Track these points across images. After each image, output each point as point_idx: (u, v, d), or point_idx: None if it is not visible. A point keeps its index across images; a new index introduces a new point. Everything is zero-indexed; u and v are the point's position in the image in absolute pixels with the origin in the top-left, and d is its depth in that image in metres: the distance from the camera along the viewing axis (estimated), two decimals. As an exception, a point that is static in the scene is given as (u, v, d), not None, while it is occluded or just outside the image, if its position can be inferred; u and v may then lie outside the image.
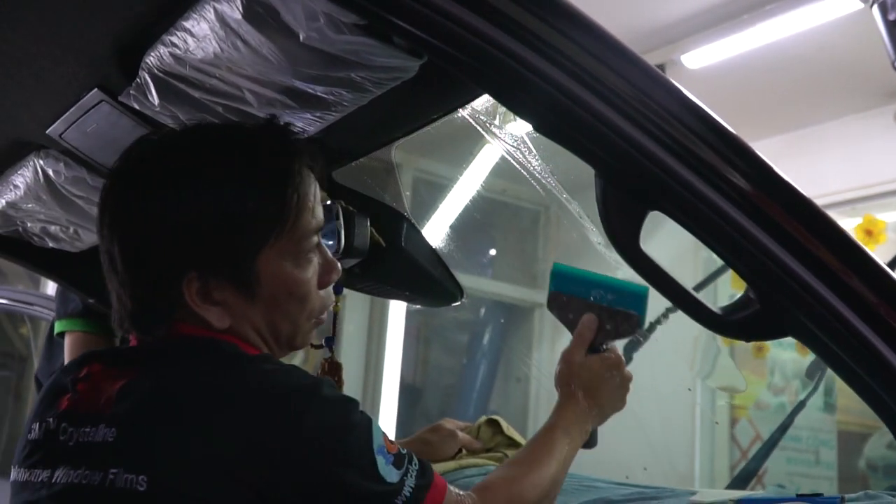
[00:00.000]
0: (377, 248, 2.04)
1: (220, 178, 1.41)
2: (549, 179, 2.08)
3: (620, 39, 1.24)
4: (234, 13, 1.37)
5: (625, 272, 1.43)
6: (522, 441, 2.14)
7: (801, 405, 2.96)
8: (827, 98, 5.40)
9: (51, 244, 2.25)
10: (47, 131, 1.80)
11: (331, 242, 1.95)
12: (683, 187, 1.23)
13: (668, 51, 5.01)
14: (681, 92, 1.24)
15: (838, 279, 1.22)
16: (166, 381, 1.35)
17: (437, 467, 1.85)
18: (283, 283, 1.44)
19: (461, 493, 1.42)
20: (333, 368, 2.13)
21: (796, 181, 1.23)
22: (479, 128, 1.93)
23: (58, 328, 2.90)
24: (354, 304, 6.12)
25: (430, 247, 2.12)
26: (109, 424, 1.33)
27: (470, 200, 3.67)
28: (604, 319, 1.65)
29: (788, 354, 5.97)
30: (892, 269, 1.28)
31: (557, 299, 1.68)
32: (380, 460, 1.32)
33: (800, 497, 1.69)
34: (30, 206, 2.10)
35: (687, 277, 1.38)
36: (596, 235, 1.99)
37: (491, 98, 1.48)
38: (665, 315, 2.90)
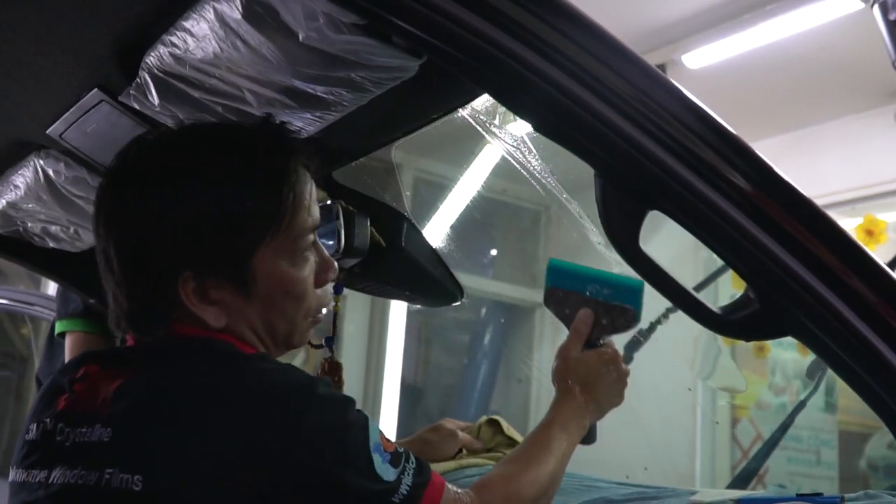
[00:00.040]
0: (377, 248, 2.04)
1: (216, 178, 1.41)
2: (549, 179, 2.08)
3: (621, 39, 1.24)
4: (234, 13, 1.37)
5: (623, 271, 1.43)
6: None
7: (801, 405, 2.96)
8: (827, 98, 5.40)
9: (51, 244, 2.26)
10: (47, 131, 1.80)
11: (331, 242, 1.95)
12: (683, 187, 1.23)
13: (669, 51, 5.01)
14: (680, 92, 1.24)
15: (838, 279, 1.22)
16: (162, 380, 1.35)
17: (438, 467, 1.85)
18: (280, 281, 1.44)
19: (459, 491, 1.42)
20: (333, 368, 2.13)
21: (797, 181, 1.23)
22: (479, 128, 1.93)
23: (58, 328, 2.90)
24: (355, 304, 6.12)
25: (431, 247, 2.12)
26: (105, 425, 1.33)
27: (470, 200, 3.67)
28: (600, 314, 1.65)
29: (789, 354, 5.97)
30: (893, 268, 1.28)
31: (554, 295, 1.68)
32: (376, 459, 1.32)
33: (800, 497, 1.69)
34: (30, 206, 2.10)
35: (687, 277, 1.38)
36: (596, 235, 1.99)
37: (491, 98, 1.48)
38: (665, 315, 2.90)
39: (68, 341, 2.85)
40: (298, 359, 5.31)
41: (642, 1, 4.74)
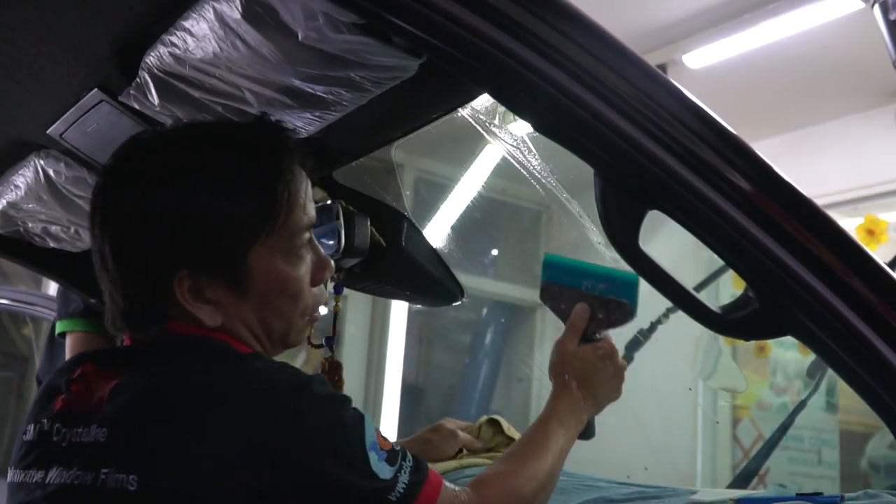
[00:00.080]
0: (377, 248, 2.04)
1: (211, 176, 1.41)
2: (549, 179, 2.08)
3: (622, 39, 1.24)
4: (234, 13, 1.37)
5: (622, 267, 1.43)
6: (523, 441, 2.13)
7: (801, 405, 2.96)
8: (828, 98, 5.40)
9: (52, 244, 2.26)
10: (48, 131, 1.80)
11: (331, 242, 1.95)
12: (683, 187, 1.23)
13: (670, 50, 5.01)
14: (680, 92, 1.24)
15: (838, 278, 1.22)
16: (157, 380, 1.35)
17: (438, 467, 1.85)
18: (275, 280, 1.44)
19: (456, 488, 1.42)
20: (334, 368, 2.13)
21: (797, 181, 1.23)
22: (479, 128, 1.93)
23: (59, 328, 2.90)
24: (356, 304, 6.13)
25: (431, 246, 2.12)
26: (101, 424, 1.33)
27: (471, 200, 3.67)
28: (596, 309, 1.65)
29: (790, 354, 5.97)
30: (893, 268, 1.28)
31: (549, 289, 1.68)
32: (372, 457, 1.32)
33: (800, 496, 1.69)
34: (31, 206, 2.10)
35: (689, 277, 1.38)
36: (596, 235, 1.99)
37: (491, 98, 1.48)
38: (666, 315, 2.90)
39: (69, 341, 2.86)
40: (299, 359, 5.31)
41: (643, 1, 4.74)
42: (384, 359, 6.20)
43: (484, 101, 1.76)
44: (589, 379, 1.64)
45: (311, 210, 1.49)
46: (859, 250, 1.24)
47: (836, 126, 5.59)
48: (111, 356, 1.49)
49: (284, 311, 1.47)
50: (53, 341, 3.05)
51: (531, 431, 1.60)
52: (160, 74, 1.55)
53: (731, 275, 1.39)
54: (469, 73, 1.33)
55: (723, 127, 1.24)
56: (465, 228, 3.10)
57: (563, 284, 1.67)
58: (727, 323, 1.33)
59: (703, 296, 1.35)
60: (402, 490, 1.33)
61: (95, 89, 1.67)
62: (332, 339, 2.17)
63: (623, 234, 1.30)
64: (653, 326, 2.96)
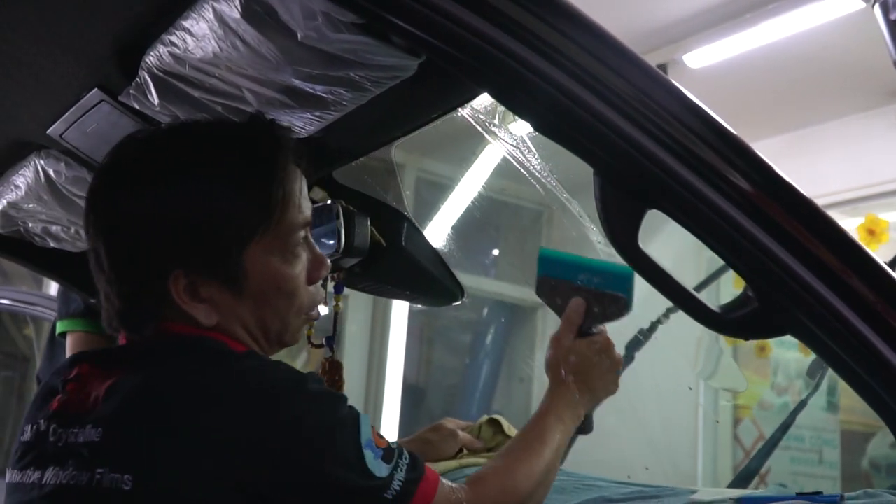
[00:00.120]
0: (378, 248, 2.04)
1: (205, 175, 1.41)
2: (549, 179, 2.08)
3: (622, 39, 1.24)
4: (233, 12, 1.37)
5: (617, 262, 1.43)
6: (523, 440, 2.13)
7: (802, 404, 2.95)
8: (829, 97, 5.40)
9: (52, 244, 2.26)
10: (48, 131, 1.80)
11: (331, 242, 1.95)
12: (682, 186, 1.23)
13: (671, 50, 5.01)
14: (680, 91, 1.24)
15: (837, 278, 1.22)
16: (152, 379, 1.35)
17: (438, 466, 1.85)
18: (271, 278, 1.44)
19: (454, 486, 1.41)
20: (334, 368, 2.13)
21: (798, 181, 1.23)
22: (478, 127, 1.93)
23: (59, 328, 2.90)
24: (357, 304, 6.13)
25: (431, 246, 2.12)
26: (96, 425, 1.33)
27: (472, 200, 3.67)
28: (591, 303, 1.64)
29: (791, 354, 5.97)
30: (893, 268, 1.27)
31: (545, 284, 1.68)
32: (368, 455, 1.32)
33: (799, 495, 1.69)
34: (31, 206, 2.10)
35: (690, 277, 1.38)
36: (596, 234, 1.99)
37: (490, 98, 1.48)
38: (666, 315, 2.90)
39: (69, 341, 2.85)
40: (300, 359, 5.31)
41: (643, 1, 4.74)
42: (385, 359, 6.20)
43: (484, 101, 1.76)
44: (585, 373, 1.64)
45: (307, 208, 1.49)
46: (859, 250, 1.24)
47: (836, 126, 5.59)
48: (107, 356, 1.49)
49: (281, 309, 1.46)
50: (54, 341, 3.05)
51: (528, 427, 1.59)
52: (160, 74, 1.55)
53: (731, 274, 1.38)
54: (469, 73, 1.33)
55: (723, 127, 1.24)
56: (465, 228, 3.09)
57: (559, 279, 1.67)
58: (727, 322, 1.33)
59: (703, 295, 1.35)
60: (397, 488, 1.33)
61: (95, 89, 1.68)
62: (333, 339, 2.17)
63: (622, 234, 1.30)
64: (653, 326, 2.96)
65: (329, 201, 1.99)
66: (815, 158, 5.51)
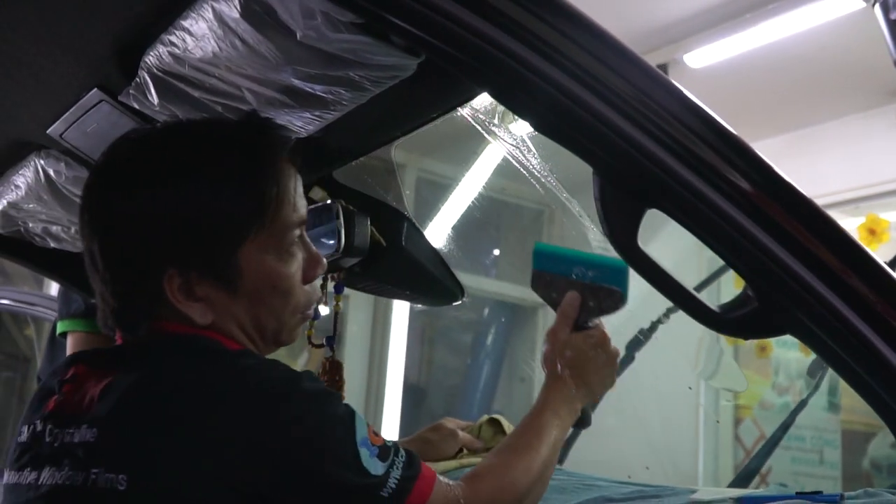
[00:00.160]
0: (378, 248, 2.04)
1: (199, 174, 1.40)
2: (549, 179, 2.08)
3: (623, 39, 1.24)
4: (232, 12, 1.37)
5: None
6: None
7: (802, 404, 2.96)
8: (829, 97, 5.40)
9: (52, 244, 2.26)
10: (48, 131, 1.80)
11: (331, 241, 1.95)
12: (681, 186, 1.23)
13: (671, 50, 5.01)
14: (680, 91, 1.24)
15: (837, 278, 1.22)
16: (146, 379, 1.35)
17: (438, 466, 1.85)
18: (266, 277, 1.43)
19: (451, 483, 1.41)
20: (334, 368, 2.13)
21: (798, 181, 1.23)
22: (478, 127, 1.93)
23: (60, 328, 2.90)
24: (358, 304, 6.13)
25: (431, 246, 2.12)
26: (91, 425, 1.33)
27: (472, 200, 3.67)
28: (587, 297, 1.64)
29: (792, 354, 5.97)
30: (893, 268, 1.27)
31: (541, 278, 1.68)
32: (363, 453, 1.32)
33: (799, 495, 1.69)
34: (31, 206, 2.10)
35: (690, 276, 1.38)
36: (596, 234, 1.99)
37: (490, 98, 1.48)
38: (666, 315, 2.90)
39: (70, 341, 2.85)
40: (301, 359, 5.31)
41: (643, 1, 4.74)
42: (386, 359, 6.20)
43: (484, 101, 1.76)
44: (581, 367, 1.63)
45: (302, 207, 1.49)
46: (859, 249, 1.24)
47: (836, 126, 5.59)
48: (102, 356, 1.49)
49: (276, 308, 1.46)
50: (54, 342, 3.05)
51: (524, 423, 1.59)
52: (160, 74, 1.55)
53: (732, 274, 1.38)
54: (468, 73, 1.33)
55: (723, 127, 1.24)
56: (466, 228, 3.10)
57: (554, 273, 1.66)
58: (726, 322, 1.33)
59: (704, 295, 1.35)
60: (393, 486, 1.33)
61: (95, 89, 1.68)
62: (333, 339, 2.17)
63: (622, 233, 1.30)
64: (653, 326, 2.97)
65: (329, 201, 1.99)
66: (815, 158, 5.51)
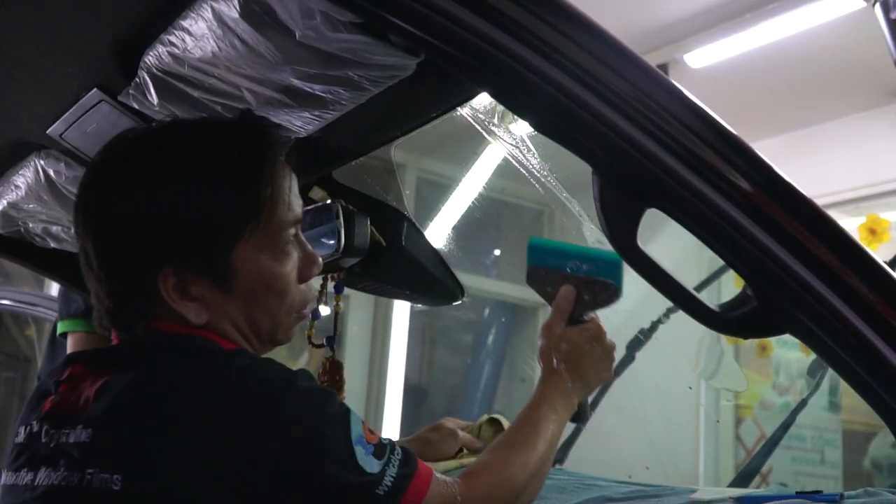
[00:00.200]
0: (377, 248, 2.04)
1: (194, 174, 1.41)
2: (549, 179, 2.08)
3: (623, 39, 1.24)
4: (232, 12, 1.37)
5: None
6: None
7: (802, 403, 2.96)
8: (829, 97, 5.40)
9: (52, 244, 2.26)
10: (47, 131, 1.80)
11: (331, 241, 1.95)
12: (681, 185, 1.23)
13: (672, 50, 5.01)
14: (680, 91, 1.24)
15: (837, 277, 1.22)
16: (141, 378, 1.35)
17: (438, 466, 1.85)
18: (261, 276, 1.43)
19: (448, 480, 1.41)
20: (334, 368, 2.13)
21: (799, 181, 1.23)
22: (478, 127, 1.93)
23: (60, 329, 2.90)
24: (358, 304, 6.13)
25: (431, 246, 2.12)
26: (86, 425, 1.33)
27: (473, 200, 3.67)
28: (581, 290, 1.64)
29: (793, 354, 5.97)
30: (893, 268, 1.27)
31: (536, 273, 1.68)
32: (359, 451, 1.32)
33: (799, 494, 1.69)
34: (31, 206, 2.10)
35: (691, 276, 1.38)
36: (596, 234, 1.99)
37: (490, 97, 1.48)
38: (666, 315, 2.90)
39: (70, 342, 2.85)
40: (302, 359, 5.32)
41: (643, 1, 4.74)
42: (387, 359, 6.20)
43: (484, 100, 1.76)
44: (577, 361, 1.62)
45: (297, 206, 1.49)
46: (858, 249, 1.24)
47: (836, 126, 5.59)
48: (98, 356, 1.49)
49: (271, 308, 1.46)
50: (55, 342, 3.05)
51: (521, 418, 1.58)
52: (159, 74, 1.55)
53: (732, 274, 1.38)
54: (468, 73, 1.33)
55: (723, 127, 1.24)
56: (466, 228, 3.10)
57: (549, 268, 1.66)
58: (726, 321, 1.33)
59: (705, 295, 1.35)
60: (389, 483, 1.32)
61: (95, 89, 1.68)
62: (333, 339, 2.17)
63: (621, 233, 1.30)
64: (654, 326, 2.96)
65: (329, 201, 1.99)
66: (815, 158, 5.51)
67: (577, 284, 1.64)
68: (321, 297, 2.13)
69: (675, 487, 1.98)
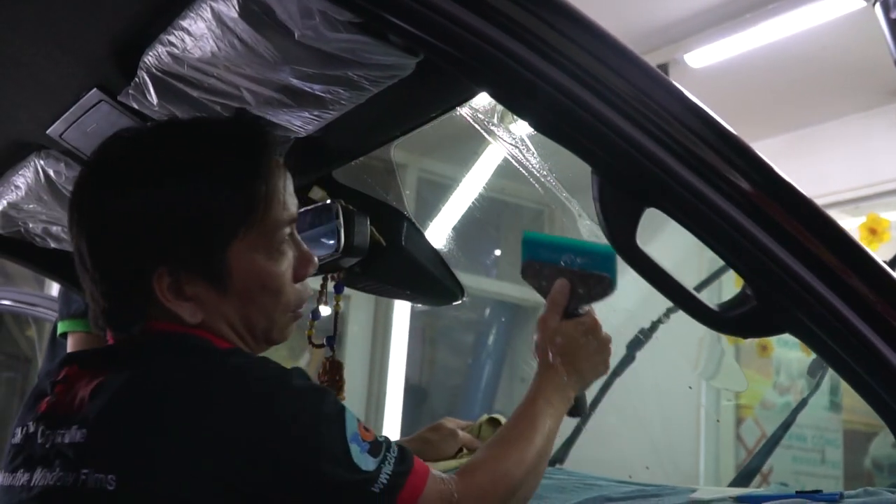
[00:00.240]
0: (377, 248, 2.04)
1: (186, 173, 1.40)
2: (548, 178, 2.08)
3: (623, 39, 1.24)
4: (231, 11, 1.37)
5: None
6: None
7: (802, 403, 2.95)
8: (829, 97, 5.40)
9: (52, 245, 2.26)
10: (47, 131, 1.80)
11: (331, 241, 1.95)
12: (681, 185, 1.23)
13: (671, 50, 5.01)
14: (679, 91, 1.24)
15: (836, 277, 1.22)
16: (136, 379, 1.35)
17: (438, 466, 1.85)
18: (256, 276, 1.43)
19: (444, 476, 1.40)
20: (334, 368, 2.13)
21: (799, 181, 1.23)
22: (478, 127, 1.93)
23: (60, 329, 2.90)
24: (359, 304, 6.13)
25: (431, 246, 2.12)
26: (81, 425, 1.34)
27: (473, 200, 3.67)
28: (576, 283, 1.63)
29: (794, 354, 5.97)
30: (893, 267, 1.27)
31: (530, 268, 1.67)
32: (354, 448, 1.31)
33: (799, 494, 1.69)
34: (31, 206, 2.10)
35: (692, 276, 1.38)
36: (596, 233, 1.99)
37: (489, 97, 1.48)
38: (666, 314, 2.90)
39: (70, 342, 2.86)
40: (303, 359, 5.32)
41: (643, 1, 4.74)
42: (387, 359, 6.21)
43: (484, 100, 1.76)
44: (573, 355, 1.61)
45: (293, 205, 1.48)
46: (858, 249, 1.24)
47: (837, 125, 5.59)
48: (94, 357, 1.49)
49: (266, 307, 1.46)
50: (55, 342, 3.05)
51: (517, 413, 1.57)
52: (159, 74, 1.55)
53: (733, 273, 1.38)
54: (467, 73, 1.33)
55: (723, 127, 1.24)
56: (466, 228, 3.10)
57: (543, 262, 1.66)
58: (725, 321, 1.33)
59: (705, 294, 1.35)
60: (385, 481, 1.32)
61: (94, 89, 1.68)
62: (334, 339, 2.17)
63: (621, 232, 1.30)
64: (654, 326, 2.96)
65: (329, 201, 1.99)
66: (815, 158, 5.51)
67: (571, 278, 1.64)
68: (321, 297, 2.14)
69: (675, 487, 1.98)
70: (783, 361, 6.15)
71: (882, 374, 1.23)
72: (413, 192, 5.46)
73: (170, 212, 1.38)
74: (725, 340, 3.52)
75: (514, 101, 1.30)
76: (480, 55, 1.23)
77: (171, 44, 1.48)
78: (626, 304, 1.66)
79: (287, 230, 1.47)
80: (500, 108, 1.89)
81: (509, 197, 6.13)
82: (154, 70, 1.54)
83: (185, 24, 1.44)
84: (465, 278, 2.18)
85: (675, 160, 1.23)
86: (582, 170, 1.32)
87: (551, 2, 1.22)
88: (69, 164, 1.93)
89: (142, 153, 1.44)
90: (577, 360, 1.62)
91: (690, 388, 4.75)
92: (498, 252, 6.80)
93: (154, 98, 1.58)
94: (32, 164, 1.96)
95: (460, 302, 2.21)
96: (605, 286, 1.62)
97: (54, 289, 4.85)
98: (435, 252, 2.13)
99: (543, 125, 1.30)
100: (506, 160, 2.14)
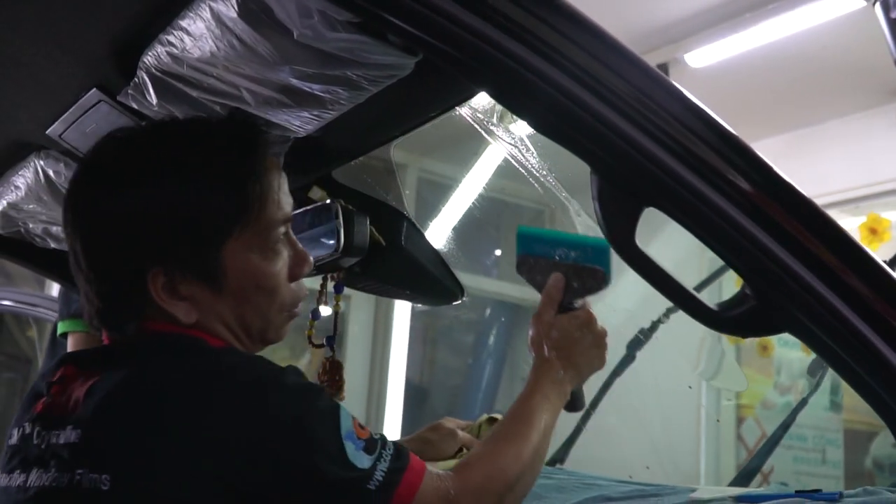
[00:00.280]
0: (377, 247, 2.04)
1: (180, 173, 1.40)
2: (548, 178, 2.08)
3: (623, 39, 1.24)
4: (230, 11, 1.37)
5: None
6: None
7: (803, 403, 2.95)
8: (829, 97, 5.39)
9: (52, 245, 2.26)
10: (47, 132, 1.81)
11: (331, 241, 1.95)
12: (680, 185, 1.23)
13: (671, 50, 5.01)
14: (679, 91, 1.24)
15: (836, 277, 1.22)
16: (131, 379, 1.35)
17: (438, 466, 1.85)
18: (251, 275, 1.44)
19: (441, 473, 1.40)
20: (334, 367, 2.13)
21: (799, 181, 1.23)
22: (477, 127, 1.93)
23: (60, 329, 2.90)
24: (359, 304, 6.13)
25: (431, 245, 2.12)
26: (76, 426, 1.34)
27: (473, 200, 3.67)
28: (570, 277, 1.63)
29: (794, 353, 5.96)
30: (892, 267, 1.27)
31: (525, 262, 1.67)
32: (349, 446, 1.31)
33: (799, 493, 1.69)
34: (31, 206, 2.10)
35: (692, 276, 1.38)
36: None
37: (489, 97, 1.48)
38: (666, 314, 2.90)
39: (70, 342, 2.86)
40: (304, 359, 5.32)
41: (643, 1, 4.74)
42: (387, 359, 6.20)
43: (483, 100, 1.76)
44: (568, 349, 1.61)
45: (287, 205, 1.48)
46: (858, 249, 1.24)
47: (837, 125, 5.59)
48: (90, 357, 1.50)
49: (261, 306, 1.46)
50: (55, 342, 3.05)
51: (513, 409, 1.56)
52: (158, 74, 1.55)
53: (733, 273, 1.38)
54: (467, 73, 1.33)
55: (722, 127, 1.24)
56: (466, 228, 3.10)
57: (538, 256, 1.66)
58: (724, 320, 1.33)
59: (705, 294, 1.35)
60: (380, 478, 1.32)
61: (94, 89, 1.68)
62: (333, 339, 2.17)
63: (620, 232, 1.30)
64: (654, 326, 2.96)
65: (329, 201, 1.99)
66: (815, 158, 5.51)
67: (565, 272, 1.63)
68: (321, 297, 2.14)
69: (675, 487, 1.98)
70: (784, 361, 6.14)
71: (882, 374, 1.23)
72: (413, 192, 5.46)
73: (164, 211, 1.38)
74: (726, 340, 3.52)
75: (514, 100, 1.30)
76: (480, 55, 1.23)
77: (171, 44, 1.48)
78: (626, 304, 1.66)
79: (282, 229, 1.47)
80: (499, 108, 1.89)
81: (509, 197, 6.12)
82: (153, 70, 1.54)
83: (184, 24, 1.44)
84: (465, 278, 2.18)
85: (675, 160, 1.23)
86: (581, 170, 1.32)
87: (551, 2, 1.23)
88: (69, 165, 1.93)
89: (135, 153, 1.44)
90: (573, 355, 1.61)
91: (690, 387, 4.75)
92: (498, 252, 6.80)
93: (153, 98, 1.59)
94: (32, 164, 1.97)
95: (460, 302, 2.21)
96: (599, 279, 1.62)
97: (54, 289, 4.85)
98: (435, 252, 2.13)
99: (543, 125, 1.30)
100: (506, 160, 2.14)
